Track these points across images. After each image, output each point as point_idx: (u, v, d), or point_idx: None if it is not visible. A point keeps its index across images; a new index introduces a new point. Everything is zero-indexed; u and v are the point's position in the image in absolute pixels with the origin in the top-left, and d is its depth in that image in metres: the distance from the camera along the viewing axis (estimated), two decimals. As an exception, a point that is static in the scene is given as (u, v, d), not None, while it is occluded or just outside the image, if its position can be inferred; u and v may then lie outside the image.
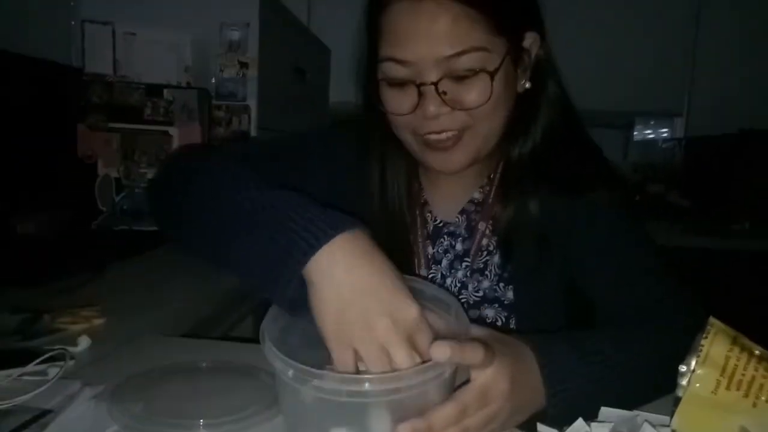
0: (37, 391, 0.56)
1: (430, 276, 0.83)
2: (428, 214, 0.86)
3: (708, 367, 0.52)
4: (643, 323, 0.70)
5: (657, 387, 0.62)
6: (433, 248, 0.84)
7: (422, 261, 0.83)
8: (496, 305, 0.80)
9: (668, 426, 0.53)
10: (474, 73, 0.69)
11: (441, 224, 0.85)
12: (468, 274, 0.82)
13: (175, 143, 1.64)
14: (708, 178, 2.84)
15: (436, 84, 0.69)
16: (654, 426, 0.51)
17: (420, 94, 0.70)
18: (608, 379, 0.60)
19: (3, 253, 1.20)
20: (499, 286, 0.81)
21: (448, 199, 0.86)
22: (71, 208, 1.53)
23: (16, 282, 1.04)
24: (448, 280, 0.83)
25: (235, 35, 1.75)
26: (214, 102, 1.76)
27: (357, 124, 0.86)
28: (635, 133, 3.56)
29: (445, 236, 0.84)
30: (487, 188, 0.84)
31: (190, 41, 1.72)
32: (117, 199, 1.62)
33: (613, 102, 3.20)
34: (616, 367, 0.61)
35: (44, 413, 0.53)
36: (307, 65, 2.26)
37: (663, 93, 3.25)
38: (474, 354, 0.49)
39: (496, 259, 0.81)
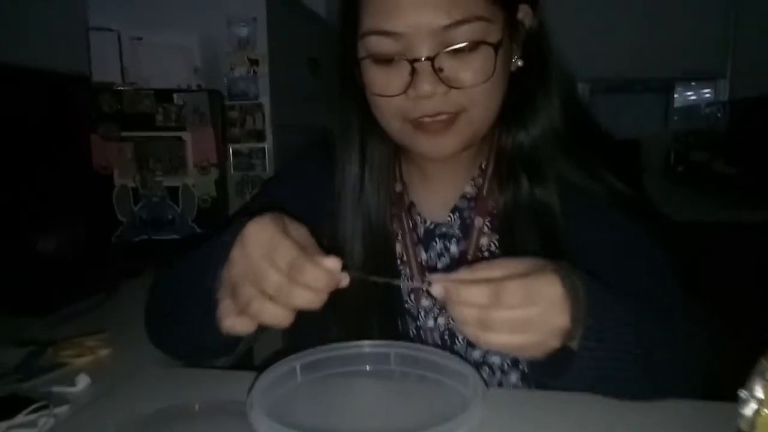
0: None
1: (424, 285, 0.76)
2: (417, 217, 0.79)
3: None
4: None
5: (673, 374, 0.59)
6: (426, 253, 0.77)
7: (414, 269, 0.76)
8: None
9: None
10: (474, 46, 0.62)
11: (432, 226, 0.78)
12: None
13: (189, 148, 1.60)
14: (755, 143, 2.66)
15: (432, 59, 0.61)
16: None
17: (413, 72, 0.62)
18: (636, 342, 0.55)
19: (15, 279, 1.18)
20: None
21: (437, 197, 0.78)
22: (90, 221, 1.52)
23: (28, 311, 1.02)
24: None
25: (243, 31, 1.69)
26: (227, 102, 1.71)
27: (326, 142, 0.81)
28: (676, 96, 3.38)
29: (438, 239, 0.77)
30: (480, 180, 0.77)
31: (198, 41, 1.67)
32: (135, 209, 1.60)
33: (650, 67, 3.04)
34: (647, 331, 0.56)
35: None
36: (323, 55, 2.19)
37: (704, 53, 3.07)
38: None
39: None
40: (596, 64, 2.92)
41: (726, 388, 0.61)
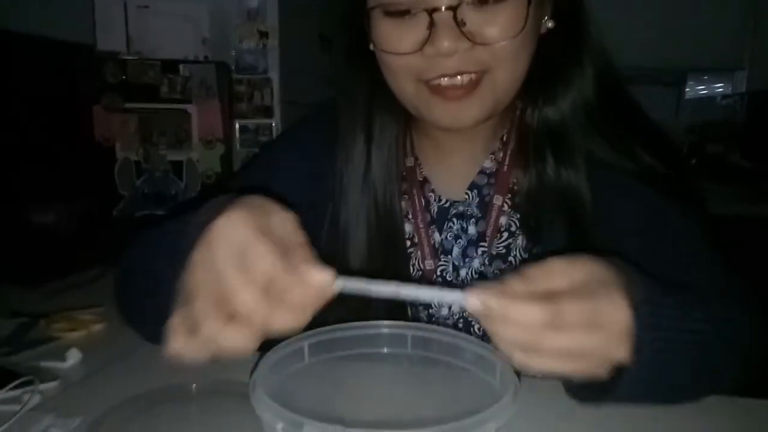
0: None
1: (438, 269, 0.70)
2: (431, 194, 0.72)
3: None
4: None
5: (724, 371, 0.53)
6: (440, 235, 0.71)
7: (427, 252, 0.70)
8: None
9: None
10: None
11: (447, 204, 0.71)
12: (486, 261, 0.69)
13: (195, 121, 1.55)
14: (775, 135, 2.59)
15: (454, 10, 0.55)
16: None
17: (431, 25, 0.56)
18: (690, 347, 0.48)
19: (13, 248, 1.14)
20: None
21: (453, 172, 0.72)
22: (91, 194, 1.47)
23: (23, 280, 0.98)
24: (462, 272, 0.70)
25: (254, 3, 1.64)
26: (235, 76, 1.66)
27: (329, 108, 0.74)
28: (687, 90, 3.29)
29: (455, 219, 0.71)
30: (500, 154, 0.70)
31: (207, 11, 1.62)
32: (138, 183, 1.55)
33: (663, 57, 2.95)
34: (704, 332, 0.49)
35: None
36: (334, 31, 2.13)
37: (721, 44, 2.98)
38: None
39: (521, 241, 0.68)
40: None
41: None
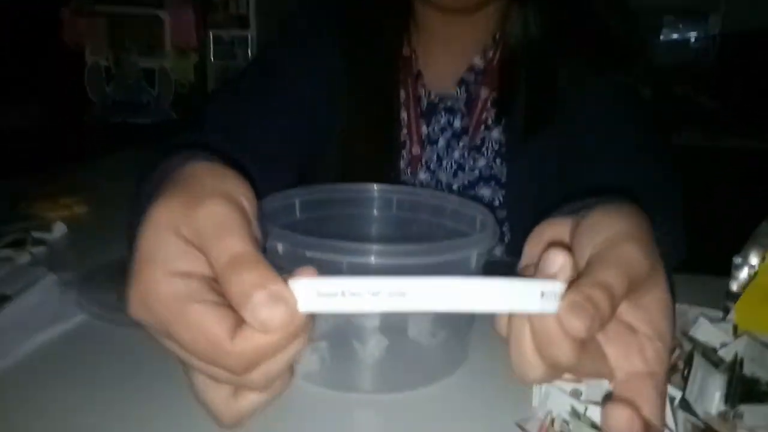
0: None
1: (423, 158, 0.74)
2: (421, 88, 0.75)
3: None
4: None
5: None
6: (428, 127, 0.74)
7: (415, 139, 0.74)
8: (493, 183, 0.73)
9: (724, 320, 0.46)
10: None
11: (437, 100, 0.74)
12: (465, 153, 0.74)
13: (167, 29, 1.50)
14: (743, 77, 2.66)
15: None
16: (710, 320, 0.44)
17: None
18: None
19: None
20: (495, 163, 0.73)
21: (445, 66, 0.74)
22: (60, 97, 1.44)
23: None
24: (444, 162, 0.74)
25: None
26: (210, -17, 1.60)
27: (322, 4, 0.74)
28: (661, 37, 3.33)
29: (443, 112, 0.74)
30: (491, 52, 0.73)
31: None
32: (108, 89, 1.51)
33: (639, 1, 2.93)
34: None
35: (1, 299, 0.47)
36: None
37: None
38: None
39: (495, 134, 0.72)
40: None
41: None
